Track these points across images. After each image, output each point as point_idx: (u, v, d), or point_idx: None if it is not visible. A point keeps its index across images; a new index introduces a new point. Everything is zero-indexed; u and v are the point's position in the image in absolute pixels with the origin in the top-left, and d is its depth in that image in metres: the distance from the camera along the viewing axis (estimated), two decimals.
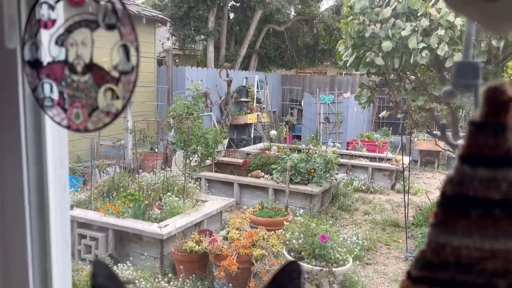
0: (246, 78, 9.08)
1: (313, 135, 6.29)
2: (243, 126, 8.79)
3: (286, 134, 6.86)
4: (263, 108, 9.26)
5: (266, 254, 2.40)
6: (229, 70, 8.36)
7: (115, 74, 0.43)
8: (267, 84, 9.89)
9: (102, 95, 0.43)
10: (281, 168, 4.67)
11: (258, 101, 9.06)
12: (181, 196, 3.82)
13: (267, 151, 5.76)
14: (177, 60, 11.25)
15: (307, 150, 5.04)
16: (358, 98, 3.83)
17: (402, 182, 5.45)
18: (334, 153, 5.28)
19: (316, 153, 5.03)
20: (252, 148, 6.86)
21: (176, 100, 5.23)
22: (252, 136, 8.74)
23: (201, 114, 5.47)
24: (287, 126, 6.68)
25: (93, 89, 0.43)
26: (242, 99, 8.64)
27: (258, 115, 8.69)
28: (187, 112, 5.04)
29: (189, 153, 4.70)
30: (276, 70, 11.50)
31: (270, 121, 9.00)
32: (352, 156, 6.51)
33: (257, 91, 9.05)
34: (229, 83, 8.07)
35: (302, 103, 9.39)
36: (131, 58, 0.43)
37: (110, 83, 0.43)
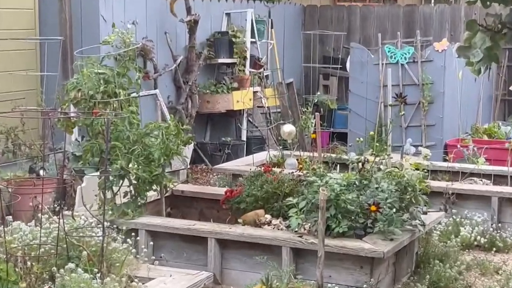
0: (228, 14, 9.42)
1: (371, 133, 6.27)
2: (224, 117, 9.11)
3: (314, 131, 6.89)
4: (266, 78, 9.43)
5: None
6: None
7: None
8: (272, 27, 10.16)
9: None
10: (306, 205, 4.64)
11: (256, 64, 9.35)
12: (96, 269, 3.87)
13: (275, 169, 5.81)
14: None
15: (360, 165, 5.04)
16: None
17: None
18: (417, 169, 5.28)
19: (379, 169, 5.10)
20: (244, 164, 7.00)
21: (82, 65, 5.29)
22: (243, 138, 9.07)
23: (135, 95, 5.54)
24: (316, 113, 6.69)
25: None
26: (221, 60, 8.97)
27: (256, 92, 8.88)
28: (104, 91, 5.12)
29: (112, 179, 4.74)
30: None
31: (280, 105, 9.12)
32: (456, 174, 6.58)
33: (252, 42, 9.45)
34: (193, 26, 8.43)
35: (348, 65, 9.64)
36: None
37: None
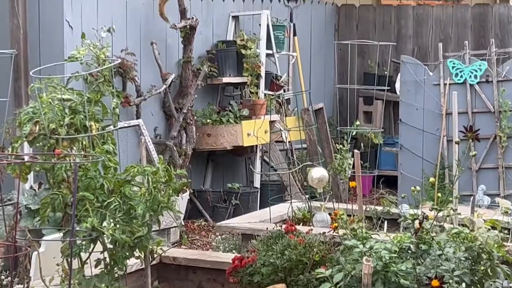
0: (236, 18, 9.60)
1: (431, 179, 6.26)
2: (231, 155, 9.23)
3: (353, 176, 6.90)
4: (287, 102, 9.47)
5: None
6: None
7: None
8: (295, 35, 10.27)
9: None
10: (344, 279, 4.62)
11: (273, 84, 9.42)
12: None
13: (301, 228, 5.81)
14: None
15: (417, 223, 5.02)
16: None
17: None
18: (494, 228, 5.26)
19: (443, 229, 5.08)
20: (257, 220, 6.99)
21: (41, 89, 5.30)
22: (257, 184, 9.14)
23: (110, 127, 5.54)
24: (355, 150, 6.70)
25: None
26: (226, 79, 9.11)
27: (273, 122, 8.92)
28: (70, 124, 5.13)
29: (80, 243, 4.73)
30: None
31: (307, 140, 9.13)
32: None
33: (268, 55, 9.58)
34: (189, 34, 8.60)
35: (398, 86, 9.75)
36: None
37: None
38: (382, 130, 10.12)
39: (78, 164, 4.51)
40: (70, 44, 7.27)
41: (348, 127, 9.47)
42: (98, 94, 5.48)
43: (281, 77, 9.49)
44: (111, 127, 5.54)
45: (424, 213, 5.10)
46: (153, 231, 5.31)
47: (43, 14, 7.58)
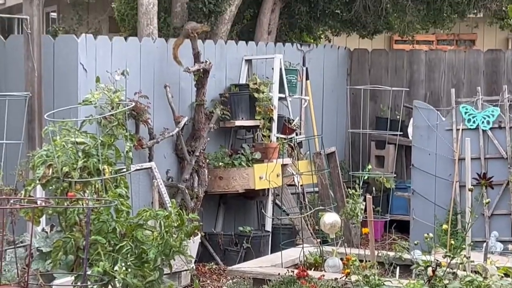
0: (249, 62, 9.65)
1: (444, 226, 6.22)
2: (242, 199, 9.24)
3: (365, 221, 6.87)
4: (299, 146, 9.48)
5: None
6: (202, 41, 9.03)
7: None
8: (307, 78, 10.33)
9: None
10: None
11: (286, 127, 9.46)
12: None
13: (313, 273, 5.77)
14: (58, 24, 12.58)
15: (430, 270, 4.99)
16: None
17: None
18: (507, 275, 5.21)
19: (455, 276, 5.03)
20: (269, 264, 6.94)
21: (54, 132, 5.34)
22: (268, 228, 9.10)
23: (123, 171, 5.57)
24: (367, 195, 6.68)
25: None
26: (239, 123, 9.15)
27: (285, 165, 8.96)
28: (83, 167, 5.15)
29: (92, 286, 4.70)
30: (331, 36, 12.15)
31: (319, 184, 9.12)
32: None
33: (281, 99, 9.61)
34: (202, 77, 8.65)
35: (410, 131, 9.81)
36: None
37: None
38: (394, 175, 10.08)
39: (91, 208, 4.52)
40: (84, 87, 7.31)
41: (360, 172, 9.45)
42: (111, 138, 5.51)
43: (293, 120, 9.49)
44: (124, 170, 5.57)
45: (437, 260, 5.07)
46: (164, 274, 5.29)
47: (58, 57, 7.65)
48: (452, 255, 5.20)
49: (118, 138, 5.54)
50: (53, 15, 14.18)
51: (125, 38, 8.45)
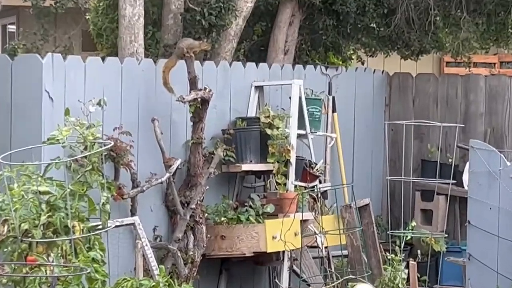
0: (260, 89, 9.69)
1: None
2: (251, 264, 9.17)
3: None
4: (323, 197, 9.45)
5: None
6: (201, 62, 9.03)
7: None
8: (334, 110, 10.34)
9: None
10: None
11: (307, 173, 9.48)
12: None
13: None
14: (17, 40, 11.92)
15: None
16: None
17: None
18: None
19: None
20: None
21: (12, 179, 5.30)
22: None
23: (98, 228, 5.53)
24: (410, 260, 6.63)
25: None
26: (246, 167, 9.15)
27: (306, 222, 8.93)
28: (48, 224, 5.10)
29: None
30: (365, 56, 12.17)
31: (348, 245, 9.08)
32: None
33: (300, 136, 9.60)
34: (200, 109, 8.63)
35: (465, 178, 9.79)
36: None
37: None
38: (446, 234, 10.04)
39: (56, 277, 4.52)
40: (50, 121, 7.29)
41: (402, 230, 9.44)
42: (84, 186, 5.53)
43: (316, 164, 9.47)
44: (100, 227, 5.57)
45: None
46: None
47: (17, 82, 7.63)
48: None
49: (92, 186, 5.56)
50: (11, 28, 14.25)
51: (103, 59, 8.46)
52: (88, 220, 5.50)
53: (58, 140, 5.72)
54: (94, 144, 5.75)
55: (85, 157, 5.58)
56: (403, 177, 9.80)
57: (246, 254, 8.70)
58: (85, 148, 5.79)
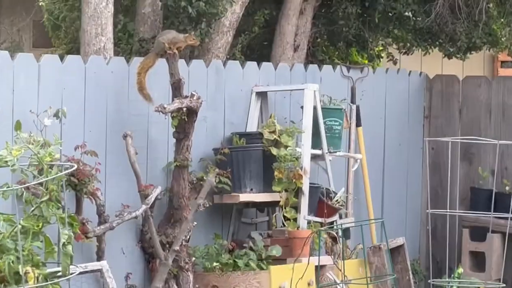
0: (263, 95, 9.74)
1: None
2: None
3: None
4: (344, 236, 9.46)
5: None
6: (187, 62, 9.10)
7: None
8: (358, 124, 10.38)
9: None
10: None
11: (324, 205, 9.48)
12: None
13: None
14: None
15: None
16: None
17: None
18: None
19: None
20: None
21: None
22: None
23: (57, 275, 5.49)
24: None
25: None
26: (245, 197, 9.16)
27: (323, 268, 8.94)
28: None
29: None
30: (397, 54, 12.20)
31: None
32: None
33: (315, 157, 9.66)
34: (185, 121, 8.60)
35: None
36: None
37: None
38: (503, 284, 10.06)
39: None
40: None
41: (446, 279, 9.48)
42: (39, 221, 5.52)
43: (335, 193, 9.48)
44: (60, 274, 5.57)
45: None
46: None
47: None
48: None
49: (50, 221, 5.55)
50: None
51: (61, 57, 8.48)
52: (45, 265, 5.51)
53: (6, 162, 5.71)
54: (51, 168, 5.73)
55: (41, 184, 5.57)
56: (447, 210, 9.83)
57: None
58: (41, 172, 5.78)
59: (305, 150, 9.27)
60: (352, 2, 10.49)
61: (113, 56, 8.72)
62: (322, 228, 9.01)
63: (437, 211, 9.88)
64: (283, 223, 9.06)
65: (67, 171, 5.82)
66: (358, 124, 10.25)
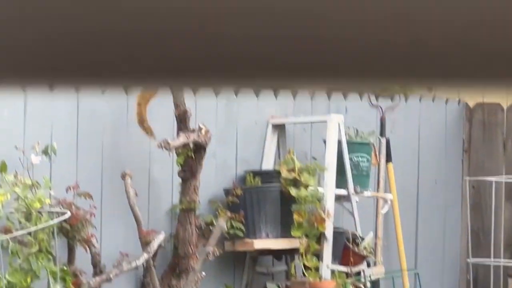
0: (281, 128, 9.80)
1: None
2: None
3: None
4: (372, 286, 9.46)
5: None
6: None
7: None
8: (389, 160, 10.37)
9: None
10: None
11: (350, 252, 9.46)
12: None
13: None
14: None
15: None
16: None
17: None
18: None
19: None
20: None
21: None
22: None
23: None
24: None
25: None
26: (260, 244, 9.20)
27: None
28: None
29: None
30: None
31: None
32: None
33: (340, 198, 9.73)
34: (192, 157, 8.73)
35: None
36: None
37: None
38: None
39: None
40: None
41: None
42: (27, 276, 5.54)
43: (363, 239, 9.49)
44: None
45: None
46: None
47: None
48: None
49: (39, 276, 5.57)
50: None
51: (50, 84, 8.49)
52: None
53: None
54: (41, 214, 5.75)
55: (30, 233, 5.58)
56: (491, 259, 9.79)
57: None
58: (28, 218, 5.79)
59: (329, 190, 9.28)
60: None
61: None
62: (348, 279, 9.00)
63: (479, 260, 9.86)
64: (303, 273, 9.05)
65: (59, 219, 5.84)
66: (389, 159, 10.23)
